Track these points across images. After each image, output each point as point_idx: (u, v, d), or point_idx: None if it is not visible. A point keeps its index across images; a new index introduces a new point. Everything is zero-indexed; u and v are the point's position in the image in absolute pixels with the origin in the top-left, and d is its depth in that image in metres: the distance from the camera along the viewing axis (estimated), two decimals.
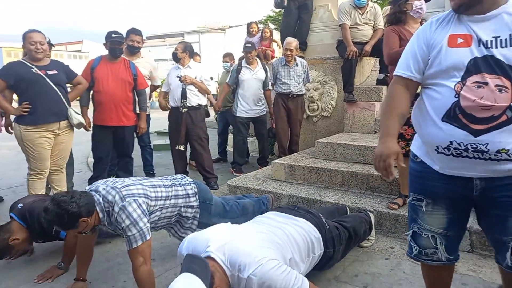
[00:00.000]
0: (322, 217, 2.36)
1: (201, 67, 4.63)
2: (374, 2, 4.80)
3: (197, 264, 1.64)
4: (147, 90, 4.59)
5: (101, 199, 2.11)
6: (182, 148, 4.45)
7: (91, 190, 2.19)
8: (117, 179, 2.30)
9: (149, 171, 4.91)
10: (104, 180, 2.30)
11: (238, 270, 1.68)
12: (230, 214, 2.79)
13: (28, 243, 2.69)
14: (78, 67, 3.76)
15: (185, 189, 2.47)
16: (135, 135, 4.37)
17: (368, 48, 4.60)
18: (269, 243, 1.87)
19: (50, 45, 4.02)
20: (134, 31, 4.55)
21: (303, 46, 5.49)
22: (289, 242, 1.98)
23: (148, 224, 2.12)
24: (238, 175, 4.75)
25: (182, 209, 2.44)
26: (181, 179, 2.56)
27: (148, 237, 2.09)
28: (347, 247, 2.52)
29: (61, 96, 3.43)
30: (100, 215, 2.11)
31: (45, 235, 2.66)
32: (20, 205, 2.64)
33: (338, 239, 2.36)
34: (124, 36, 4.45)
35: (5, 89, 3.35)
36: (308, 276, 2.46)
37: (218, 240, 1.78)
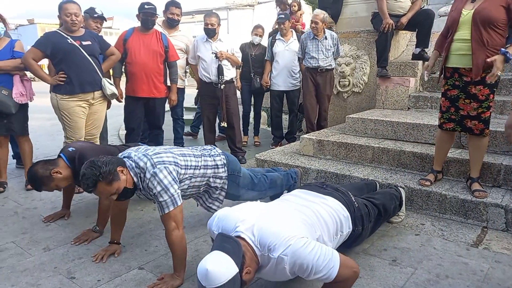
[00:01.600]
0: (351, 195, 2.33)
1: (231, 39, 4.59)
2: None
3: (229, 243, 1.66)
4: (183, 63, 4.60)
5: (133, 164, 2.16)
6: (225, 124, 4.48)
7: (123, 157, 2.24)
8: (149, 147, 2.34)
9: (179, 144, 4.98)
10: (136, 147, 2.34)
11: (268, 250, 1.70)
12: (258, 187, 2.81)
13: (68, 182, 2.66)
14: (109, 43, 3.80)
15: (214, 160, 2.49)
16: (168, 107, 4.43)
17: (404, 20, 4.40)
18: (297, 221, 1.88)
19: (103, 18, 4.05)
20: (174, 4, 4.52)
21: (336, 18, 5.32)
22: (318, 221, 1.98)
23: (178, 191, 2.15)
24: (274, 147, 4.84)
25: (211, 179, 2.47)
26: (211, 150, 2.58)
27: (179, 203, 2.13)
28: (376, 224, 2.50)
29: (95, 66, 3.49)
30: (135, 179, 2.16)
31: None
32: (71, 148, 2.67)
33: (367, 217, 2.34)
34: (164, 8, 4.47)
35: (42, 58, 3.43)
36: (336, 249, 2.47)
37: (248, 220, 1.80)
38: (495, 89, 2.80)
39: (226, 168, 2.54)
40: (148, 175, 2.11)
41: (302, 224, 1.87)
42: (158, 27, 4.46)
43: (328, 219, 2.04)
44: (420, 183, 3.06)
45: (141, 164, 2.15)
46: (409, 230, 2.76)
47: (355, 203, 2.30)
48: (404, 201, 2.88)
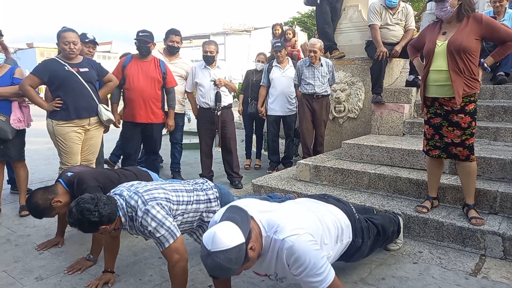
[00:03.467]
0: (352, 207, 2.34)
1: (228, 66, 4.67)
2: (406, 2, 4.69)
3: (239, 215, 1.63)
4: (182, 89, 4.65)
5: (124, 204, 2.13)
6: (219, 149, 4.53)
7: (115, 194, 2.21)
8: (140, 184, 2.29)
9: (175, 169, 4.97)
10: (129, 184, 2.30)
11: (275, 231, 1.67)
12: None
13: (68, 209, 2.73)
14: (107, 67, 3.85)
15: (206, 194, 2.45)
16: (166, 132, 4.45)
17: (398, 48, 4.51)
18: (305, 221, 1.86)
19: (95, 43, 4.14)
20: (173, 32, 4.62)
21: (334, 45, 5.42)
22: (321, 226, 1.96)
23: (174, 222, 2.12)
24: (270, 172, 4.86)
25: (204, 214, 2.42)
26: (203, 184, 2.54)
27: (178, 234, 2.08)
28: (375, 243, 2.47)
29: (92, 92, 3.52)
30: (123, 219, 2.13)
31: None
32: (70, 173, 2.68)
33: (367, 231, 2.34)
34: (164, 36, 4.56)
35: (39, 85, 3.47)
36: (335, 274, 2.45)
37: (257, 207, 1.79)
38: (475, 117, 2.86)
39: (219, 202, 2.49)
40: (140, 213, 2.07)
41: (309, 225, 1.84)
42: (158, 54, 4.54)
43: (331, 225, 2.03)
44: (417, 210, 3.05)
45: (132, 202, 2.12)
46: (407, 258, 2.73)
47: (356, 215, 2.31)
48: (402, 228, 2.87)
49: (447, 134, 2.89)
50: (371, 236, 2.38)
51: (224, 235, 1.52)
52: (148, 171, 3.10)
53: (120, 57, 4.68)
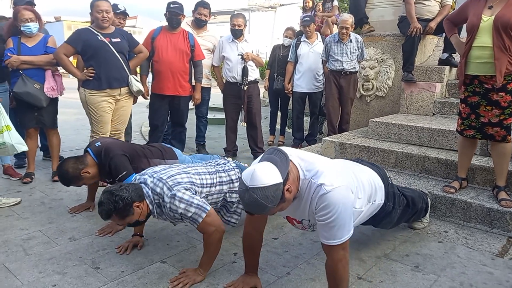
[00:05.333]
0: (386, 172, 2.34)
1: (256, 40, 4.62)
2: None
3: (279, 156, 1.65)
4: (209, 62, 4.65)
5: (150, 192, 2.17)
6: (245, 125, 4.54)
7: (140, 182, 2.25)
8: (164, 168, 2.31)
9: (200, 142, 5.03)
10: (152, 170, 2.32)
11: (314, 174, 1.69)
12: None
13: (95, 180, 2.83)
14: None
15: (228, 175, 2.47)
16: (193, 106, 4.49)
17: (433, 25, 4.34)
18: (344, 175, 1.85)
19: (125, 14, 4.19)
20: (202, 4, 4.56)
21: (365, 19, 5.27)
22: (357, 182, 1.96)
23: (202, 199, 2.15)
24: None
25: (227, 195, 2.45)
26: (224, 165, 2.56)
27: (208, 208, 2.11)
28: (403, 214, 2.46)
29: (123, 63, 3.57)
30: (150, 206, 2.17)
31: (111, 177, 2.77)
32: (98, 143, 2.76)
33: (398, 198, 2.34)
34: (193, 8, 4.54)
35: (73, 54, 3.54)
36: (358, 249, 2.46)
37: (298, 153, 1.81)
38: None
39: None
40: (167, 199, 2.10)
41: (347, 181, 1.83)
42: (186, 26, 4.53)
43: (366, 183, 2.04)
44: (445, 190, 3.01)
45: (158, 190, 2.15)
46: (432, 237, 2.72)
47: (390, 179, 2.32)
48: (429, 208, 2.84)
49: (485, 114, 2.81)
50: (401, 205, 2.38)
51: (263, 173, 1.55)
52: (172, 147, 3.15)
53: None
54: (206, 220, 2.08)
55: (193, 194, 2.14)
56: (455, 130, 3.43)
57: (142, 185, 2.20)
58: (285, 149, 1.82)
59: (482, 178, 3.11)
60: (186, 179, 2.20)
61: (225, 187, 2.43)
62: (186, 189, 2.13)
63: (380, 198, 2.17)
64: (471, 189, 3.07)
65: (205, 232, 2.11)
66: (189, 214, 2.07)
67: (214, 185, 2.37)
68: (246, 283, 2.06)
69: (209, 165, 2.52)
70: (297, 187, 1.71)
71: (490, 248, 2.55)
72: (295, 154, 1.79)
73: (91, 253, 2.42)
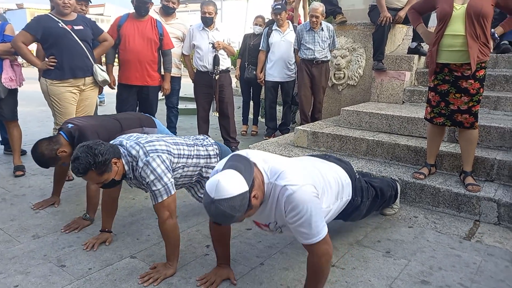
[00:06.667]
0: (352, 167, 2.34)
1: (227, 29, 4.53)
2: None
3: (243, 163, 1.61)
4: (179, 51, 4.52)
5: (126, 152, 2.10)
6: (217, 114, 4.46)
7: (115, 144, 2.18)
8: (141, 135, 2.28)
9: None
10: (128, 135, 2.28)
11: (277, 177, 1.66)
12: None
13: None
14: None
15: (207, 150, 2.44)
16: (162, 96, 4.37)
17: (402, 14, 4.38)
18: (309, 174, 1.84)
19: (87, 0, 3.99)
20: None
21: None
22: (323, 182, 1.94)
23: (172, 180, 2.11)
24: (267, 139, 4.83)
25: (203, 169, 2.42)
26: (203, 140, 2.53)
27: (172, 192, 2.08)
28: (373, 205, 2.49)
29: (87, 52, 3.41)
30: (126, 167, 2.11)
31: None
32: (70, 125, 2.64)
33: (366, 192, 2.35)
34: None
35: (32, 42, 3.35)
36: (332, 238, 2.47)
37: (261, 156, 1.77)
38: (484, 83, 2.83)
39: (218, 159, 2.48)
40: (140, 164, 2.06)
41: (312, 179, 1.82)
42: (154, 13, 4.38)
43: (332, 182, 2.03)
44: (414, 176, 3.06)
45: (134, 152, 2.09)
46: (402, 222, 2.76)
47: (356, 174, 2.32)
48: (399, 194, 2.88)
49: (454, 101, 2.86)
50: (370, 197, 2.39)
51: (228, 183, 1.51)
52: (151, 117, 3.07)
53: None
54: (165, 202, 2.05)
55: (166, 169, 2.08)
56: (423, 117, 3.49)
57: (118, 146, 2.13)
58: (249, 152, 1.78)
59: (450, 164, 3.18)
60: (164, 147, 2.15)
61: (202, 161, 2.39)
62: (161, 161, 2.07)
63: (347, 194, 2.16)
64: (439, 175, 3.14)
65: (159, 216, 2.08)
66: (154, 188, 2.04)
67: (191, 157, 2.32)
68: (218, 275, 2.03)
69: (187, 138, 2.48)
70: (263, 191, 1.67)
71: (458, 232, 2.62)
72: (259, 158, 1.75)
73: (56, 251, 2.32)
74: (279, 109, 5.54)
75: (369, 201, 2.39)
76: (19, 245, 2.38)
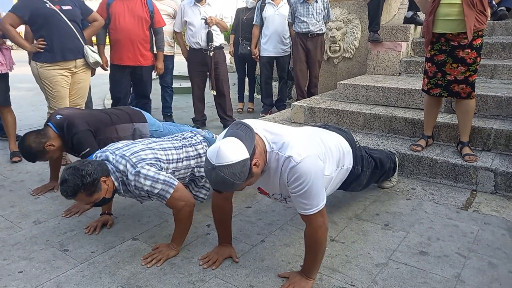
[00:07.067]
0: (353, 136, 2.34)
1: (219, 3, 4.43)
2: None
3: (243, 130, 1.61)
4: (171, 29, 4.43)
5: (114, 168, 2.07)
6: (214, 92, 4.40)
7: (101, 160, 2.14)
8: (126, 146, 2.18)
9: (167, 113, 4.89)
10: (114, 147, 2.20)
11: (280, 147, 1.66)
12: None
13: (61, 151, 2.70)
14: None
15: (196, 149, 2.39)
16: (156, 76, 4.31)
17: None
18: (311, 143, 1.84)
19: None
20: None
21: None
22: (325, 148, 1.95)
23: (169, 174, 2.08)
24: (263, 115, 4.80)
25: (195, 169, 2.39)
26: (191, 138, 2.47)
27: (175, 183, 2.04)
28: (372, 176, 2.50)
29: (77, 32, 3.34)
30: (116, 183, 2.08)
31: (74, 152, 2.67)
32: (59, 116, 2.61)
33: (366, 161, 2.36)
34: None
35: (20, 24, 3.26)
36: (330, 212, 2.49)
37: (264, 125, 1.77)
38: (481, 52, 2.80)
39: None
40: (131, 177, 2.01)
41: (314, 147, 1.82)
42: None
43: (334, 149, 2.03)
44: (411, 149, 3.07)
45: (121, 167, 2.05)
46: (400, 195, 2.79)
47: (357, 143, 2.33)
48: (397, 167, 2.90)
49: (451, 72, 2.83)
50: (370, 168, 2.40)
51: (229, 150, 1.50)
52: (142, 110, 3.03)
53: None
54: (174, 195, 2.02)
55: (158, 169, 2.06)
56: (420, 89, 3.47)
57: (105, 162, 2.11)
58: (250, 121, 1.76)
59: (447, 135, 3.18)
60: (150, 155, 2.11)
61: (192, 162, 2.36)
62: (150, 165, 2.04)
63: (348, 163, 2.17)
64: (436, 146, 3.15)
65: (175, 208, 2.05)
66: (156, 191, 2.00)
67: (181, 160, 2.29)
68: (220, 254, 2.05)
69: (175, 140, 2.42)
70: (264, 160, 1.67)
71: (455, 202, 2.65)
72: (260, 127, 1.74)
73: (58, 236, 2.33)
74: (275, 84, 5.49)
75: (369, 171, 2.40)
76: (21, 231, 2.39)
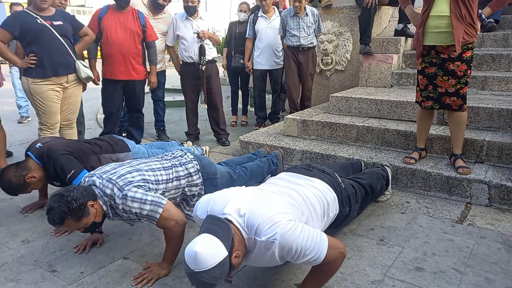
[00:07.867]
0: (337, 176, 2.30)
1: (212, 17, 4.44)
2: None
3: (219, 226, 1.60)
4: (163, 47, 4.43)
5: (101, 193, 2.05)
6: (206, 106, 4.39)
7: (88, 184, 2.11)
8: (113, 169, 2.15)
9: (160, 127, 4.86)
10: (100, 171, 2.17)
11: (255, 233, 1.65)
12: (238, 182, 2.68)
13: (44, 182, 2.66)
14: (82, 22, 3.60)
15: (186, 169, 2.37)
16: (149, 90, 4.29)
17: None
18: (284, 204, 1.83)
19: None
20: None
21: None
22: (305, 204, 1.94)
23: (156, 193, 2.05)
24: (257, 129, 4.78)
25: (186, 189, 2.36)
26: (181, 157, 2.45)
27: (164, 202, 2.01)
28: (363, 204, 2.50)
29: (68, 48, 3.32)
30: (104, 207, 2.05)
31: (59, 179, 2.61)
32: (38, 144, 2.58)
33: (354, 197, 2.33)
34: None
35: (10, 40, 3.24)
36: (324, 230, 2.46)
37: (234, 203, 1.74)
38: (471, 65, 2.81)
39: (200, 174, 2.41)
40: (118, 201, 1.98)
41: (289, 207, 1.83)
42: (141, 5, 4.28)
43: (315, 202, 2.01)
44: (405, 161, 3.06)
45: (108, 191, 2.03)
46: (395, 208, 2.77)
47: (342, 184, 2.27)
48: (390, 180, 2.89)
49: (442, 84, 2.84)
50: (359, 199, 2.38)
51: (206, 254, 1.48)
52: (124, 139, 2.99)
53: None
54: (164, 215, 1.98)
55: (146, 191, 2.02)
56: (413, 101, 3.48)
57: (92, 186, 2.07)
58: (218, 202, 1.76)
59: (440, 147, 3.18)
60: (138, 177, 2.08)
61: (182, 181, 2.33)
62: (138, 187, 2.01)
63: (334, 209, 2.14)
64: (430, 159, 3.15)
65: (166, 227, 2.02)
66: (145, 212, 1.97)
67: (171, 180, 2.26)
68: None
69: (165, 160, 2.39)
70: (244, 246, 1.66)
71: (450, 215, 2.63)
72: (230, 209, 1.70)
73: (46, 255, 2.27)
74: (268, 97, 5.49)
75: (359, 204, 2.38)
76: (8, 251, 2.33)
